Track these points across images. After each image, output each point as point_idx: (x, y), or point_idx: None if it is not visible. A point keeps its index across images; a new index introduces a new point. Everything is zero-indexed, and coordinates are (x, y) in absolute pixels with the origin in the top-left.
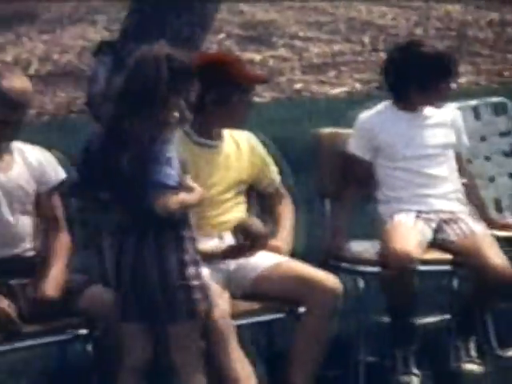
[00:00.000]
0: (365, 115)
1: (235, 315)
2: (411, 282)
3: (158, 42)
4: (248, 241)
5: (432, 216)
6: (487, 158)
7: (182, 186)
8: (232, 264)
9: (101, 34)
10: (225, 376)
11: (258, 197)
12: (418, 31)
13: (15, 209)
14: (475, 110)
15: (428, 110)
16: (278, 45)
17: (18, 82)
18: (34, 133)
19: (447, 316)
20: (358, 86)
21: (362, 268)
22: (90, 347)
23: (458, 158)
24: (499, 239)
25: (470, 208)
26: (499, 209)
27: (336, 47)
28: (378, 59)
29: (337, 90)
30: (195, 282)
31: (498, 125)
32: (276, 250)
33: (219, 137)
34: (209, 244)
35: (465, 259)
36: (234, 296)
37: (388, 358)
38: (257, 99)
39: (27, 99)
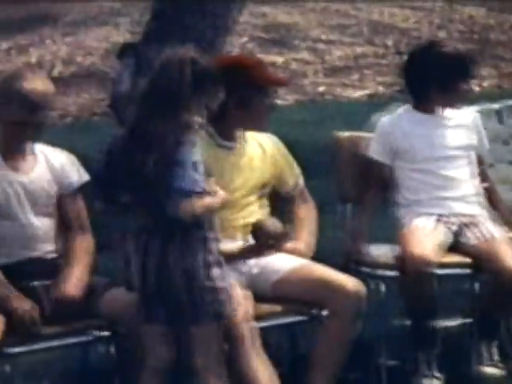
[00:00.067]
0: (385, 119)
1: (257, 318)
2: (429, 286)
3: (182, 45)
4: (265, 241)
5: (453, 219)
6: (511, 163)
7: (206, 190)
8: (254, 267)
9: (124, 37)
10: (247, 379)
11: (281, 200)
12: (441, 34)
13: (37, 210)
14: (498, 114)
15: (448, 112)
16: (301, 48)
17: (40, 84)
18: (57, 135)
19: (469, 320)
20: (380, 88)
21: (380, 272)
22: (111, 349)
23: (480, 161)
24: None
25: (490, 212)
26: None
27: (359, 50)
28: (400, 62)
29: (359, 93)
30: (220, 284)
31: None
32: (298, 252)
33: (242, 139)
34: (231, 245)
35: (484, 263)
36: (255, 298)
37: (409, 361)
38: (279, 102)
39: (48, 101)
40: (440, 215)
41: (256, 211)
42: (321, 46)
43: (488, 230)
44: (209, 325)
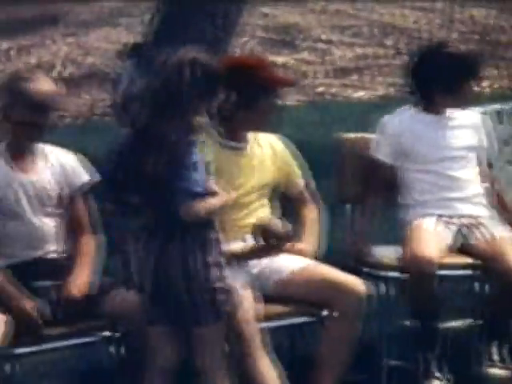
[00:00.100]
0: (387, 119)
1: (261, 318)
2: (432, 287)
3: (184, 45)
4: (269, 241)
5: (454, 220)
6: (510, 162)
7: (209, 191)
8: (257, 267)
9: (124, 37)
10: (250, 379)
11: (284, 200)
12: (441, 34)
13: (44, 211)
14: (498, 115)
15: (452, 112)
16: (301, 48)
17: (44, 85)
18: (57, 135)
19: (475, 320)
20: (380, 89)
21: (383, 273)
22: (116, 349)
23: (483, 162)
24: None
25: (492, 212)
26: None
27: (359, 50)
28: (401, 62)
29: (360, 94)
30: (219, 284)
31: None
32: (301, 253)
33: (245, 139)
34: (234, 246)
35: (487, 263)
36: (258, 299)
37: (411, 361)
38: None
39: (53, 102)
40: (445, 216)
41: (257, 211)
42: (321, 46)
43: (490, 231)
44: (210, 325)
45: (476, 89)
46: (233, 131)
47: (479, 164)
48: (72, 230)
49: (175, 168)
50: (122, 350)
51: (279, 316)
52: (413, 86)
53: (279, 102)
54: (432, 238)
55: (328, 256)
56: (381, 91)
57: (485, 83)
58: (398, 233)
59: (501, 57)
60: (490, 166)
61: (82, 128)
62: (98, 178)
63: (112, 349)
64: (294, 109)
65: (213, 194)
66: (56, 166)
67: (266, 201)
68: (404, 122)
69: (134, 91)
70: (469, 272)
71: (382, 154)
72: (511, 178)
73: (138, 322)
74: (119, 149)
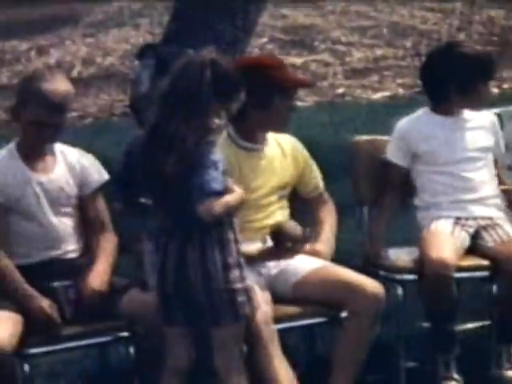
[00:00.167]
0: (403, 122)
1: (277, 319)
2: (449, 289)
3: (202, 45)
4: (284, 244)
5: (470, 222)
6: (509, 168)
7: (226, 190)
8: (273, 268)
9: (143, 38)
10: (266, 380)
11: (301, 201)
12: (461, 36)
13: (56, 210)
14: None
15: (466, 114)
16: (320, 49)
17: (60, 85)
18: (76, 135)
19: (488, 322)
20: (400, 90)
21: (398, 276)
22: (130, 349)
23: (497, 163)
24: None
25: (508, 214)
26: None
27: (378, 52)
28: (420, 64)
29: (379, 95)
30: (239, 285)
31: None
32: (317, 254)
33: (263, 140)
34: (251, 247)
35: (502, 265)
36: (275, 300)
37: (428, 363)
38: (299, 103)
39: (68, 102)
40: (459, 218)
41: (276, 212)
42: (340, 47)
43: (506, 232)
44: (228, 326)
45: (495, 90)
46: (249, 132)
47: (495, 165)
48: (90, 228)
49: (193, 168)
50: (138, 351)
51: (294, 317)
52: (426, 87)
53: (295, 103)
54: (448, 241)
55: (344, 257)
56: (400, 93)
57: (504, 85)
58: (412, 235)
59: None
60: (508, 168)
61: (101, 128)
62: (107, 177)
63: (126, 349)
64: (312, 110)
65: (229, 191)
66: (72, 165)
67: (284, 202)
68: (418, 126)
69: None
70: (485, 274)
71: (397, 156)
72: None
73: (152, 323)
74: (135, 149)
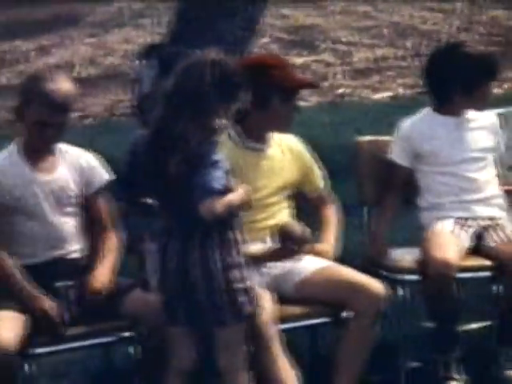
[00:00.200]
0: (406, 123)
1: (280, 319)
2: (452, 290)
3: (205, 46)
4: (289, 244)
5: (473, 222)
6: (510, 168)
7: (228, 189)
8: (277, 268)
9: (144, 38)
10: (270, 380)
11: (305, 201)
12: (462, 36)
13: (59, 210)
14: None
15: (470, 114)
16: (321, 49)
17: (63, 85)
18: (78, 135)
19: (491, 322)
20: (401, 90)
21: (401, 276)
22: (134, 350)
23: (498, 163)
24: None
25: (510, 214)
26: None
27: (379, 52)
28: (421, 64)
29: (380, 95)
30: (239, 285)
31: None
32: (321, 254)
33: (266, 140)
34: (255, 247)
35: (505, 265)
36: (279, 300)
37: (431, 363)
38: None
39: (71, 102)
40: (462, 218)
41: (280, 213)
42: (341, 47)
43: (508, 232)
44: (231, 326)
45: (499, 91)
46: (251, 132)
47: (496, 165)
48: (94, 228)
49: (195, 168)
50: (142, 351)
51: (298, 317)
52: (429, 87)
53: (297, 104)
54: (451, 241)
55: (347, 257)
56: (401, 93)
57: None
58: (415, 235)
59: None
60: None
61: (102, 128)
62: (111, 177)
63: (130, 349)
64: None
65: (230, 190)
66: (75, 165)
67: (287, 202)
68: (421, 126)
69: (155, 91)
70: (487, 274)
71: (400, 157)
72: None
73: (155, 323)
74: (137, 149)
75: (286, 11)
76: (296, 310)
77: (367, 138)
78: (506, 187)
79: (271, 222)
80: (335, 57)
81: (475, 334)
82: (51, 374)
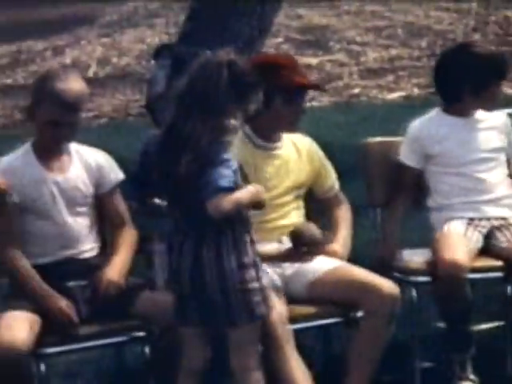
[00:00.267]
0: (415, 124)
1: (292, 319)
2: (463, 291)
3: (220, 46)
4: (303, 246)
5: (483, 223)
6: None
7: (237, 188)
8: (289, 268)
9: (159, 38)
10: (282, 380)
11: (317, 201)
12: (476, 36)
13: (72, 210)
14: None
15: (479, 114)
16: (336, 49)
17: (74, 84)
18: (92, 135)
19: (502, 322)
20: (415, 90)
21: (411, 278)
22: (146, 349)
23: (509, 163)
24: None
25: None
26: None
27: (393, 52)
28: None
29: (394, 95)
30: (255, 285)
31: None
32: (333, 254)
33: (277, 140)
34: (267, 247)
35: None
36: (291, 300)
37: (444, 363)
38: (314, 103)
39: (82, 101)
40: (472, 219)
41: (291, 212)
42: (356, 47)
43: None
44: (243, 326)
45: (510, 90)
46: (261, 131)
47: (507, 165)
48: (111, 224)
49: (206, 168)
50: (154, 351)
51: (310, 317)
52: (440, 87)
53: (303, 105)
54: (461, 242)
55: (358, 258)
56: (415, 93)
57: None
58: (425, 236)
59: None
60: None
61: (116, 128)
62: (123, 176)
63: (142, 349)
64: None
65: (239, 188)
66: (88, 165)
67: (299, 202)
68: (431, 127)
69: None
70: (499, 274)
71: (410, 158)
72: None
73: (170, 323)
74: (152, 149)
75: (300, 11)
76: (308, 310)
77: (377, 139)
78: None
79: (284, 222)
80: (349, 57)
81: (487, 334)
82: (64, 374)
